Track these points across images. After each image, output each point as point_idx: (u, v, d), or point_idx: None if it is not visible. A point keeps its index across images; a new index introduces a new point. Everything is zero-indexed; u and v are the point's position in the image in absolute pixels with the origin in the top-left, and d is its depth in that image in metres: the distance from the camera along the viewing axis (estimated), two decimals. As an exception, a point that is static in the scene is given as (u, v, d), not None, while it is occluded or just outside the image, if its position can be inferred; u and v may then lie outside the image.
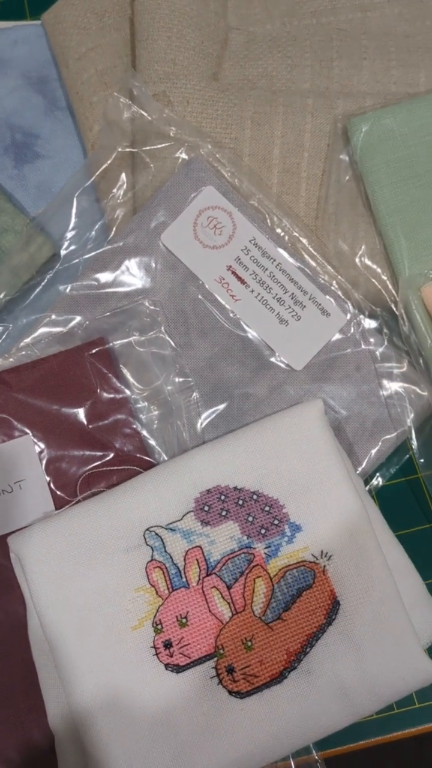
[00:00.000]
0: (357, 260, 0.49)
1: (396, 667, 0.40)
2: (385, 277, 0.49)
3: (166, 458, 0.47)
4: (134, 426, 0.47)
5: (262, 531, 0.42)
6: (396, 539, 0.44)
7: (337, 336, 0.48)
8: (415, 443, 0.47)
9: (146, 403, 0.48)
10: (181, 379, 0.48)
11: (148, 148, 0.49)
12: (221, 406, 0.48)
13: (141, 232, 0.48)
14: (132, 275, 0.48)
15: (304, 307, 0.48)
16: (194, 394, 0.48)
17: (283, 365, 0.48)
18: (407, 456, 0.48)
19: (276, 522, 0.43)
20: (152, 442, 0.47)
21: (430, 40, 0.53)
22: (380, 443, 0.48)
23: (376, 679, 0.39)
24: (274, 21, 0.55)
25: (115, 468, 0.46)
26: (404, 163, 0.49)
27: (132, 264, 0.48)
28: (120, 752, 0.38)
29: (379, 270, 0.49)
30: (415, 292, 0.48)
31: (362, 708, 0.40)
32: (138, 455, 0.47)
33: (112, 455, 0.46)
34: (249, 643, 0.40)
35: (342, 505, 0.42)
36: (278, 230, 0.49)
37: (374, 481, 0.48)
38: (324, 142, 0.50)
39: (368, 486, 0.48)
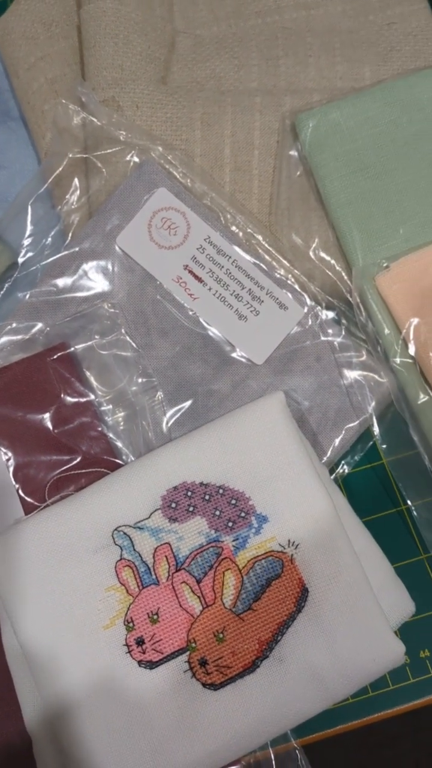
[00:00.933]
0: (311, 253, 0.50)
1: (366, 649, 0.40)
2: (339, 269, 0.50)
3: (133, 459, 0.47)
4: (100, 428, 0.47)
5: (230, 524, 0.43)
6: (363, 525, 0.44)
7: (296, 329, 0.49)
8: (377, 430, 0.48)
9: (111, 406, 0.48)
10: (144, 380, 0.48)
11: (99, 153, 0.49)
12: (186, 405, 0.49)
13: (96, 236, 0.49)
14: (90, 279, 0.49)
15: (262, 302, 0.49)
16: (158, 393, 0.49)
17: (244, 360, 0.49)
18: (371, 443, 0.49)
19: (243, 514, 0.43)
20: (119, 443, 0.48)
21: (374, 35, 0.54)
22: (343, 432, 0.48)
23: (348, 663, 0.40)
24: (220, 23, 0.56)
25: (83, 471, 0.47)
26: (352, 156, 0.50)
27: (89, 268, 0.49)
28: (98, 750, 0.39)
29: (333, 262, 0.50)
30: (370, 281, 0.49)
31: (335, 692, 0.40)
32: (105, 457, 0.47)
33: (79, 459, 0.47)
34: (221, 635, 0.40)
35: (307, 494, 0.43)
36: (233, 228, 0.50)
37: (340, 469, 0.48)
38: (273, 139, 0.51)
39: (334, 474, 0.48)
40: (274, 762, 0.42)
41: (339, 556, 0.42)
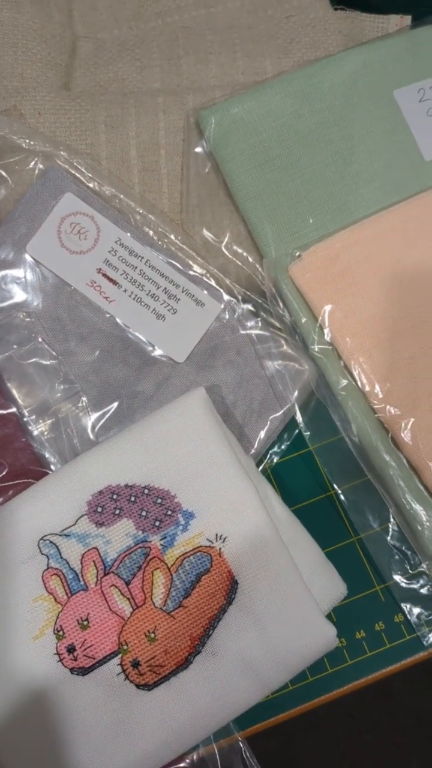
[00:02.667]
0: (224, 248, 0.50)
1: (298, 635, 0.40)
2: (253, 261, 0.50)
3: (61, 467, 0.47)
4: (24, 439, 0.47)
5: (157, 523, 0.43)
6: (291, 513, 0.45)
7: (215, 324, 0.49)
8: (300, 418, 0.48)
9: (34, 416, 0.48)
10: (66, 387, 0.48)
11: (2, 162, 0.49)
12: (111, 408, 0.48)
13: (6, 246, 0.48)
14: (3, 289, 0.48)
15: (179, 300, 0.49)
16: (82, 399, 0.48)
17: (166, 360, 0.49)
18: (297, 431, 0.49)
19: (169, 513, 0.43)
20: (46, 453, 0.47)
21: (273, 28, 0.55)
22: (269, 422, 0.49)
23: (280, 651, 0.40)
24: (120, 26, 0.56)
25: (10, 483, 0.46)
26: (257, 149, 0.50)
27: (1, 278, 0.48)
28: (36, 761, 0.38)
29: (246, 255, 0.50)
30: (283, 272, 0.49)
31: (271, 681, 0.40)
32: (32, 467, 0.47)
33: (5, 471, 0.46)
34: (152, 635, 0.40)
35: (232, 487, 0.43)
36: (144, 228, 0.50)
37: (269, 460, 0.49)
38: (179, 137, 0.51)
39: (263, 464, 0.48)
40: (218, 756, 0.42)
41: (266, 546, 0.42)
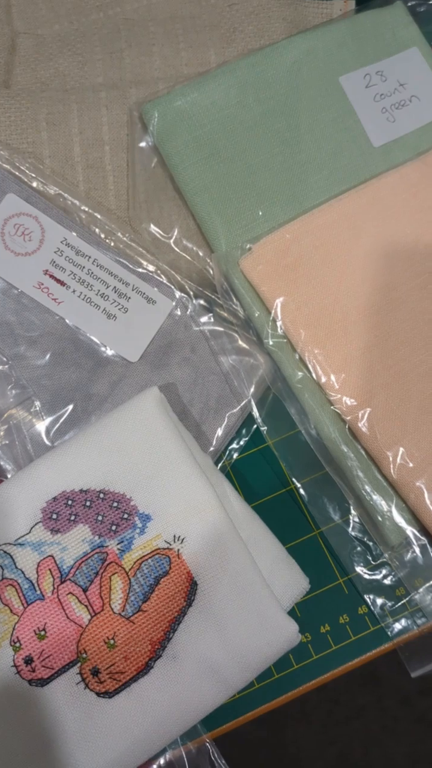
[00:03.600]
0: (174, 244, 0.49)
1: (259, 634, 0.40)
2: (204, 256, 0.49)
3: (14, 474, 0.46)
4: (-24, 448, 0.46)
5: (113, 527, 0.42)
6: (251, 510, 0.44)
7: (167, 322, 0.49)
8: (257, 413, 0.47)
9: (-13, 423, 0.47)
10: (17, 392, 0.47)
11: None
12: (65, 412, 0.48)
13: None
14: None
15: (129, 298, 0.48)
16: (35, 403, 0.47)
17: (119, 360, 0.48)
18: (255, 426, 0.48)
19: (125, 516, 0.42)
20: (0, 461, 0.47)
21: (216, 17, 0.54)
22: (226, 419, 0.48)
23: (242, 650, 0.40)
24: (61, 20, 0.55)
25: (-35, 493, 0.45)
26: (203, 141, 0.49)
27: None
28: (-3, 778, 0.38)
29: (197, 250, 0.49)
30: (234, 266, 0.48)
31: (234, 681, 0.40)
32: (-13, 476, 0.46)
33: (-41, 481, 0.45)
34: (111, 642, 0.40)
35: (188, 487, 0.42)
36: (91, 226, 0.49)
37: (228, 456, 0.48)
38: (123, 132, 0.50)
39: (222, 461, 0.48)
40: (185, 759, 0.42)
41: (225, 545, 0.41)
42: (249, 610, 0.40)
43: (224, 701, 0.40)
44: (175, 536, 0.42)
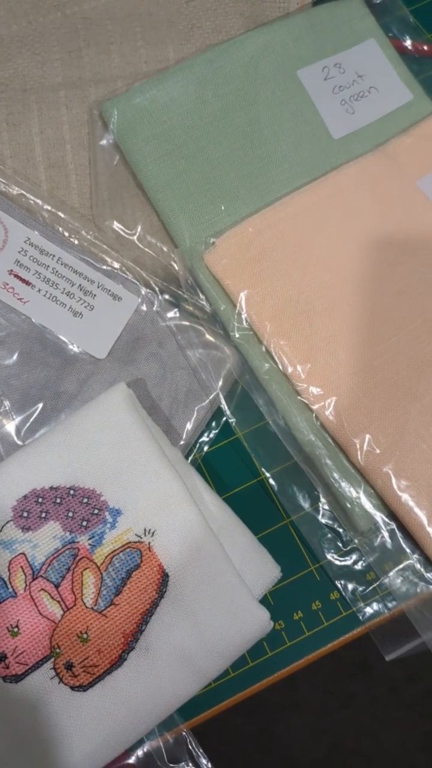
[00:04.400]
0: (138, 240, 0.50)
1: (231, 623, 0.41)
2: (169, 252, 0.50)
3: (-14, 474, 0.46)
4: None
5: (84, 523, 0.42)
6: (221, 501, 0.45)
7: (134, 318, 0.49)
8: (226, 405, 0.48)
9: None
10: (-14, 393, 0.47)
11: None
12: (35, 410, 0.48)
13: None
14: None
15: (95, 296, 0.48)
16: (4, 403, 0.48)
17: (87, 357, 0.48)
18: (224, 419, 0.49)
19: (96, 511, 0.43)
20: (-29, 461, 0.47)
21: (173, 14, 0.54)
22: (195, 412, 0.48)
23: (214, 640, 0.40)
24: (19, 21, 0.55)
25: None
26: (163, 137, 0.49)
27: None
28: (-25, 776, 0.38)
29: (162, 246, 0.50)
30: (199, 260, 0.49)
31: (208, 670, 0.40)
32: (-43, 477, 0.46)
33: None
34: (84, 636, 0.40)
35: (157, 481, 0.43)
36: (55, 225, 0.49)
37: (199, 449, 0.49)
38: (84, 131, 0.51)
39: (192, 455, 0.48)
40: (163, 749, 0.42)
41: (195, 537, 0.42)
42: (221, 600, 0.41)
43: (199, 690, 0.41)
44: (145, 530, 0.42)
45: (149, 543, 0.42)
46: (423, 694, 1.14)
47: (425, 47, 0.57)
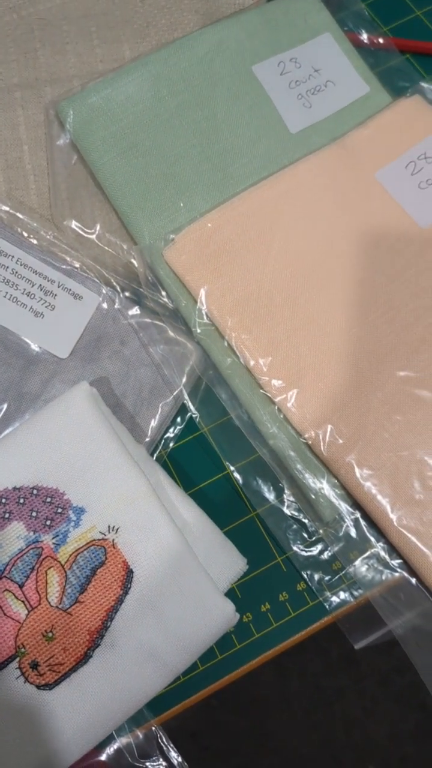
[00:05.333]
0: (98, 239, 0.50)
1: (196, 616, 0.41)
2: (129, 250, 0.50)
3: None
4: None
5: (48, 522, 0.42)
6: (186, 496, 0.45)
7: (96, 316, 0.49)
8: (190, 401, 0.48)
9: None
10: None
11: None
12: (-1, 412, 0.48)
13: None
14: None
15: (56, 296, 0.48)
16: (-33, 406, 0.47)
17: (50, 357, 0.48)
18: (189, 415, 0.49)
19: (60, 510, 0.43)
20: None
21: (129, 13, 0.54)
22: (160, 409, 0.49)
23: (180, 634, 0.40)
24: (-26, 23, 0.55)
25: None
26: (119, 136, 0.50)
27: None
28: None
29: (121, 244, 0.50)
30: (159, 257, 0.49)
31: (174, 664, 0.40)
32: None
33: None
34: (50, 634, 0.40)
35: (120, 478, 0.43)
36: (14, 226, 0.49)
37: (164, 446, 0.49)
38: (41, 131, 0.51)
39: (158, 451, 0.48)
40: (134, 745, 0.42)
41: (159, 532, 0.42)
42: (186, 594, 0.41)
43: (166, 685, 0.41)
44: (109, 527, 0.42)
45: (113, 540, 0.42)
46: (411, 685, 1.15)
47: (381, 40, 0.57)
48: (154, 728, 0.43)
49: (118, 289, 0.49)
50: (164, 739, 0.43)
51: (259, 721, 1.16)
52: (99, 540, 0.42)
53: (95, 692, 0.40)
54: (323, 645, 1.18)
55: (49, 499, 0.43)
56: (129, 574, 0.41)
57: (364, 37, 0.57)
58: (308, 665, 1.19)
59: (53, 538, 0.42)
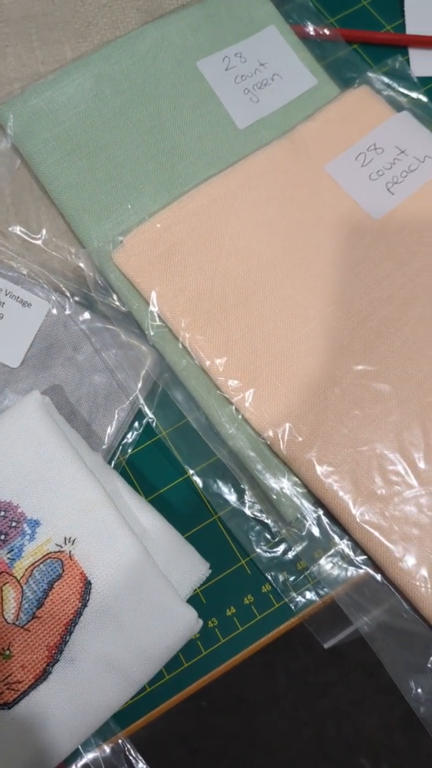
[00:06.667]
0: (45, 244, 0.49)
1: (157, 625, 0.40)
2: (78, 254, 0.49)
3: None
4: None
5: (2, 537, 0.41)
6: (145, 503, 0.44)
7: (46, 323, 0.48)
8: (146, 406, 0.47)
9: None
10: None
11: None
12: None
13: None
14: None
15: (3, 304, 0.47)
16: None
17: (0, 367, 0.47)
18: (146, 420, 0.48)
19: (14, 524, 0.42)
20: None
21: (69, 13, 0.53)
22: (116, 415, 0.48)
23: (142, 644, 0.40)
24: None
25: None
26: (63, 138, 0.49)
27: None
28: None
29: (69, 248, 0.49)
30: (108, 260, 0.48)
31: (136, 676, 0.40)
32: None
33: None
34: (7, 652, 0.39)
35: (75, 488, 0.42)
36: (-42, 235, 0.48)
37: (123, 452, 0.48)
38: (-18, 137, 0.49)
39: (116, 458, 0.47)
40: (101, 759, 0.41)
41: (117, 541, 0.41)
42: (145, 603, 0.40)
43: (130, 697, 0.40)
44: (65, 538, 0.41)
45: (70, 551, 0.41)
46: (397, 676, 1.15)
47: (327, 31, 0.57)
48: (121, 741, 0.42)
49: (68, 294, 0.48)
50: (132, 752, 0.42)
51: (249, 721, 1.16)
52: (55, 552, 0.41)
53: (56, 709, 0.39)
54: (309, 641, 1.18)
55: (2, 513, 0.42)
56: (87, 585, 0.41)
57: (310, 29, 0.57)
58: (295, 662, 1.19)
59: (8, 553, 0.41)
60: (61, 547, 0.41)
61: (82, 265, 0.48)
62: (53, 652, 0.39)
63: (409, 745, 1.15)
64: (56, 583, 0.41)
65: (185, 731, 1.12)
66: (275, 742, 1.14)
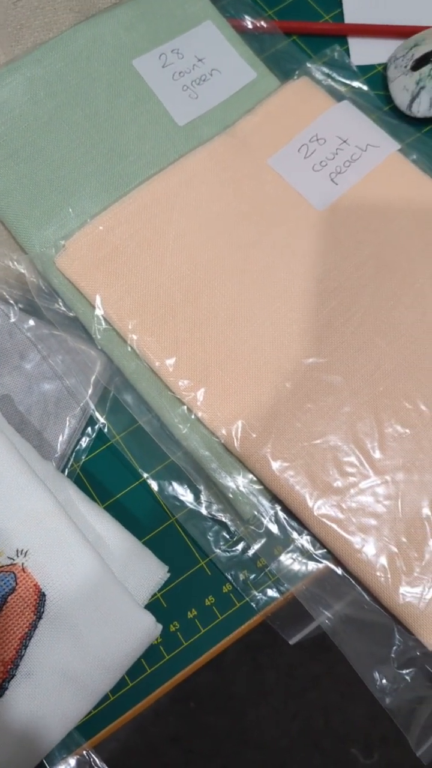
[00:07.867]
0: (-14, 253, 0.48)
1: (115, 633, 0.39)
2: (19, 260, 0.48)
3: None
4: None
5: None
6: (99, 509, 0.43)
7: (-9, 333, 0.47)
8: (98, 411, 0.47)
9: None
10: None
11: None
12: None
13: None
14: None
15: None
16: None
17: None
18: (98, 425, 0.48)
19: (-36, 539, 0.41)
20: None
21: (0, 17, 0.52)
22: (67, 422, 0.47)
23: (99, 653, 0.39)
24: None
25: None
26: (-3, 144, 0.48)
27: None
28: None
29: (11, 254, 0.48)
30: (50, 265, 0.47)
31: (96, 687, 0.39)
32: None
33: None
34: (-39, 671, 0.38)
35: (24, 498, 0.41)
36: None
37: (77, 459, 0.47)
38: None
39: (70, 465, 0.47)
40: (66, 773, 0.41)
41: (70, 550, 0.40)
42: (101, 611, 0.40)
43: (91, 708, 0.39)
44: (18, 550, 0.41)
45: (23, 564, 0.40)
46: (382, 664, 1.15)
47: (264, 24, 0.56)
48: (86, 752, 0.41)
49: (12, 301, 0.47)
50: (98, 763, 0.41)
51: (239, 718, 1.16)
52: (8, 566, 0.40)
53: (14, 725, 0.38)
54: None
55: None
56: (41, 597, 0.40)
57: (248, 22, 0.56)
58: (281, 657, 1.19)
59: (-41, 569, 0.40)
60: (14, 559, 0.40)
61: (24, 271, 0.47)
62: (8, 667, 0.39)
63: (398, 734, 1.15)
64: (10, 597, 0.40)
65: (176, 733, 1.11)
66: (266, 738, 1.14)
